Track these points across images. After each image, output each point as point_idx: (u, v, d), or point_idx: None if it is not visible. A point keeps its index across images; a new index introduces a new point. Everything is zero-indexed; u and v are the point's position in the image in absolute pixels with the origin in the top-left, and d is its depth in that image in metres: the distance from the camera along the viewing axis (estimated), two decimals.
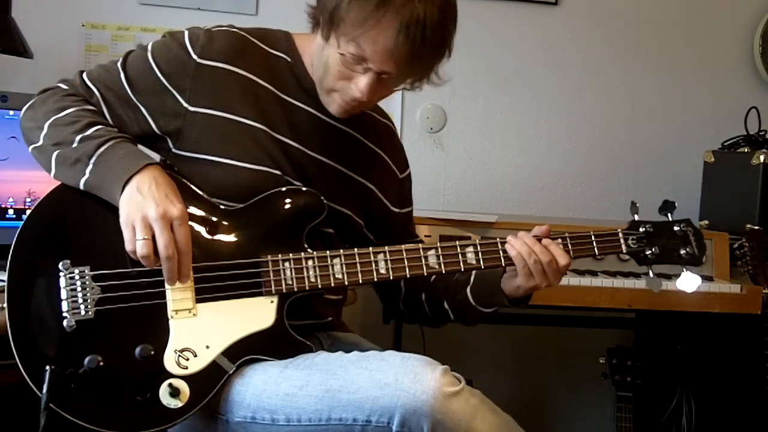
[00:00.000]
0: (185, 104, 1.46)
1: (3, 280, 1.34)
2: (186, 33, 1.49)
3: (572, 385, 2.94)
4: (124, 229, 1.32)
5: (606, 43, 2.87)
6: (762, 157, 2.43)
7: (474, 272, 1.55)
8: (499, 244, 1.47)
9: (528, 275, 1.45)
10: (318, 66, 1.46)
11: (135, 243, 1.30)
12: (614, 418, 2.29)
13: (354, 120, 1.56)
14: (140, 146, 1.51)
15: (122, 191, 1.32)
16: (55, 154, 1.39)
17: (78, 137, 1.37)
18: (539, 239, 1.46)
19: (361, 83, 1.40)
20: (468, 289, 1.57)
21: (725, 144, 2.74)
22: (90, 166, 1.35)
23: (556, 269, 1.45)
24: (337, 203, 1.55)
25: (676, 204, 1.56)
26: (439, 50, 1.39)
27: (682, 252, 1.54)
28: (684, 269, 1.55)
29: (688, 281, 1.54)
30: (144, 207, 1.30)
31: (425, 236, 2.25)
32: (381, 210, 1.65)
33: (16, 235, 1.35)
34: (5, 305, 1.31)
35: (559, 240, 1.48)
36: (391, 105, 2.73)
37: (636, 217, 1.55)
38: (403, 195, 1.71)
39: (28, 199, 1.98)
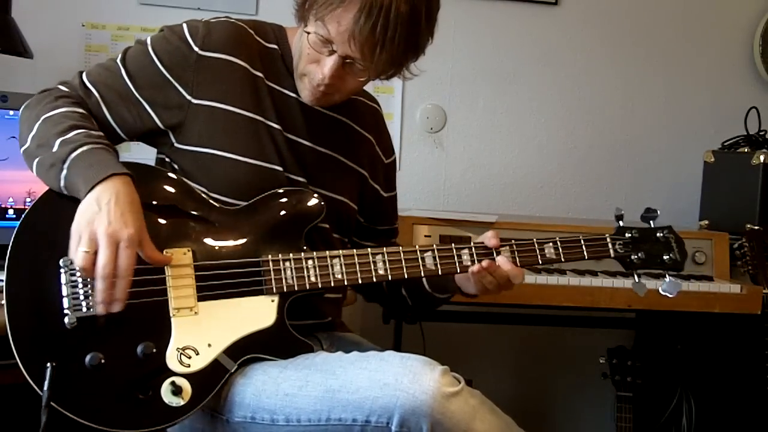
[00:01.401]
0: (188, 97, 1.46)
1: (2, 280, 1.33)
2: (185, 26, 1.50)
3: (572, 385, 2.94)
4: (71, 235, 1.29)
5: (606, 43, 2.87)
6: (762, 157, 2.43)
7: None
8: (493, 249, 1.50)
9: (484, 291, 1.52)
10: (295, 51, 1.49)
11: (76, 252, 1.27)
12: (614, 418, 2.29)
13: (342, 105, 1.57)
14: (142, 144, 1.52)
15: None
16: (37, 159, 1.37)
17: (58, 140, 1.34)
18: (491, 257, 1.49)
19: (325, 66, 1.41)
20: (423, 279, 1.62)
21: (725, 144, 2.74)
22: (64, 171, 1.33)
23: (510, 283, 1.50)
24: (334, 192, 1.57)
25: (659, 211, 1.59)
26: (405, 44, 1.38)
27: (665, 258, 1.58)
28: (667, 275, 1.58)
29: (671, 286, 1.56)
30: (95, 220, 1.27)
31: (425, 236, 2.25)
32: (372, 194, 1.68)
33: (15, 232, 1.34)
34: (4, 303, 1.30)
35: (507, 246, 1.51)
36: (391, 105, 2.73)
37: (621, 224, 1.59)
38: (389, 179, 1.74)
39: (28, 199, 1.98)
